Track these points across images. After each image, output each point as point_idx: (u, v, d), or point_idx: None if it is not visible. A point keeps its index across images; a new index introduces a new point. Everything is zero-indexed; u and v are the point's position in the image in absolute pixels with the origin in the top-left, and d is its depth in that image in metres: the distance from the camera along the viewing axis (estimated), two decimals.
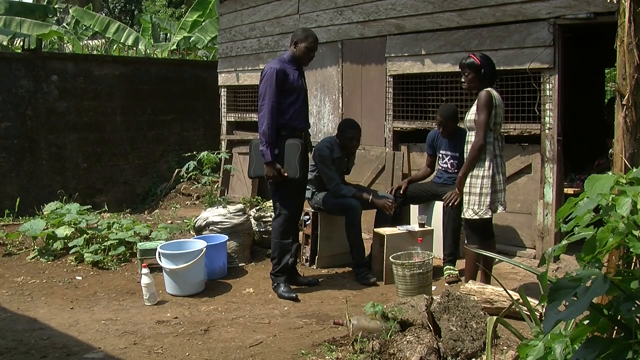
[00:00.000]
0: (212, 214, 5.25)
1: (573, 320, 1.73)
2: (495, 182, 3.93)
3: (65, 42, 13.59)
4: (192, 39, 12.49)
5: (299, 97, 4.36)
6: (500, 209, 4.02)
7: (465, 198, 3.99)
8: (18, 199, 7.23)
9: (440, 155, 5.13)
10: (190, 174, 6.37)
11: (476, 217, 3.94)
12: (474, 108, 3.98)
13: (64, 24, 13.97)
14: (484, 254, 3.26)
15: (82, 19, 12.89)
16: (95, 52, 13.12)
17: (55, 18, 13.64)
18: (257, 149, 4.32)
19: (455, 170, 4.83)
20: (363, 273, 4.68)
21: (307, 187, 4.98)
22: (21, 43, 9.02)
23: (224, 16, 8.50)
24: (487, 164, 3.91)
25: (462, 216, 4.06)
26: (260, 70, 4.43)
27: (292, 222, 4.48)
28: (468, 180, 3.97)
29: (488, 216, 3.96)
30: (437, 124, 5.04)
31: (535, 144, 5.12)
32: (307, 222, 5.09)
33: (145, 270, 4.23)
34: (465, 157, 4.07)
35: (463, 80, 4.11)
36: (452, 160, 5.01)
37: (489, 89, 3.93)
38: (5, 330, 3.73)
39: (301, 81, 4.42)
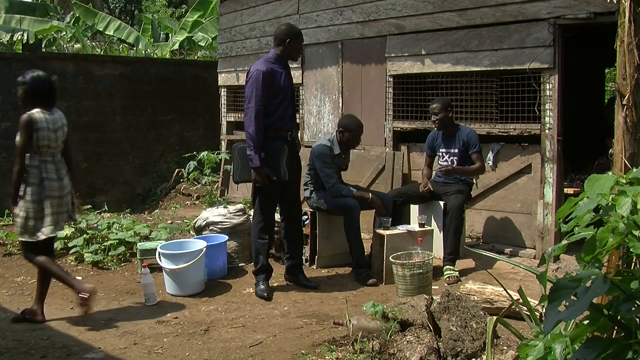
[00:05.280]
0: (212, 214, 5.25)
1: (573, 320, 1.73)
2: (43, 207, 3.78)
3: (67, 37, 13.53)
4: (194, 37, 12.47)
5: (285, 98, 4.32)
6: (49, 232, 3.84)
7: (16, 220, 3.84)
8: None
9: (440, 153, 5.16)
10: (191, 174, 6.37)
11: (30, 239, 3.82)
12: None
13: (65, 24, 13.95)
14: (491, 256, 3.23)
15: (84, 18, 12.88)
16: (95, 52, 13.10)
17: (57, 16, 13.62)
18: (242, 153, 4.31)
19: (455, 167, 4.97)
20: (363, 273, 4.67)
21: (305, 186, 5.01)
22: (20, 38, 8.96)
23: (224, 16, 8.50)
24: (30, 189, 3.77)
25: (18, 237, 3.89)
26: None
27: (268, 223, 4.46)
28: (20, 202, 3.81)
29: (38, 239, 3.81)
30: (431, 116, 5.12)
31: (535, 144, 5.13)
32: (305, 222, 5.09)
33: (145, 270, 4.23)
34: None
35: None
36: (452, 157, 5.04)
37: (33, 111, 3.86)
38: (5, 330, 3.73)
39: (287, 81, 4.36)
